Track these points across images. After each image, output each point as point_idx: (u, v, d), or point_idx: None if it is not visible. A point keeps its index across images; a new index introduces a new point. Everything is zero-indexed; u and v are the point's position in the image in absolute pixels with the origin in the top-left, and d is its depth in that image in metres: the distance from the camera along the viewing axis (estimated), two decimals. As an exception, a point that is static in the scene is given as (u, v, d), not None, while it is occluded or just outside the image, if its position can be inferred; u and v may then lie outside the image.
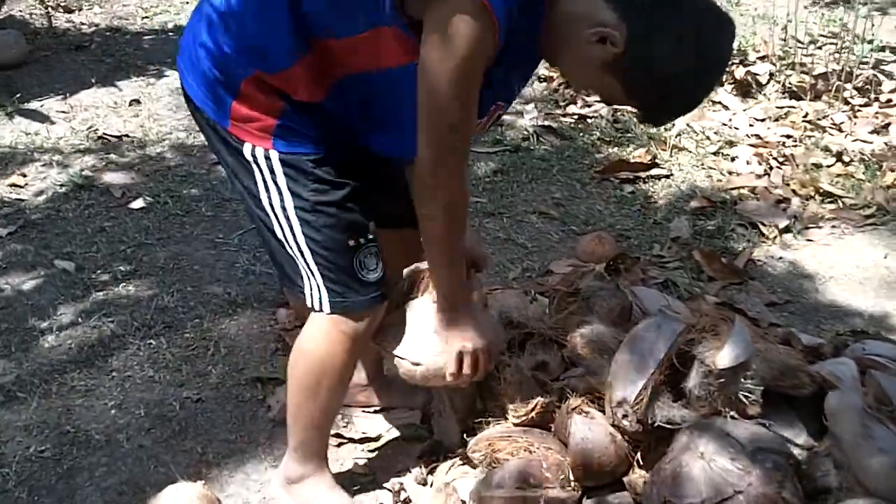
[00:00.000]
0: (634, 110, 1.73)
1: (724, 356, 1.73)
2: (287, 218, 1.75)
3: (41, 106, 4.09)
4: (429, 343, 1.88)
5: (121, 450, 2.22)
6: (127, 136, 3.86)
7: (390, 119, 1.72)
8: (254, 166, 1.73)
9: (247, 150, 1.72)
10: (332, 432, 2.24)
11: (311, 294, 1.81)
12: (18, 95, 4.10)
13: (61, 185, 3.42)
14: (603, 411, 1.89)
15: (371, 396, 2.38)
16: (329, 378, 1.87)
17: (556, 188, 3.53)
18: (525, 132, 3.95)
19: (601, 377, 1.92)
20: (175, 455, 2.21)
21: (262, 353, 2.57)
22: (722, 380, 1.74)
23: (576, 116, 4.13)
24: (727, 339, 1.76)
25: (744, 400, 1.76)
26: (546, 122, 4.04)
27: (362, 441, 2.26)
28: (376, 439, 2.27)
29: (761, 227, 3.25)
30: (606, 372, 1.92)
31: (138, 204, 3.31)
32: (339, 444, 2.25)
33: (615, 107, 3.99)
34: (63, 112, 4.05)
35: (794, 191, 3.48)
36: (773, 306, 2.79)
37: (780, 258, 3.09)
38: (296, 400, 1.94)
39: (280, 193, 1.73)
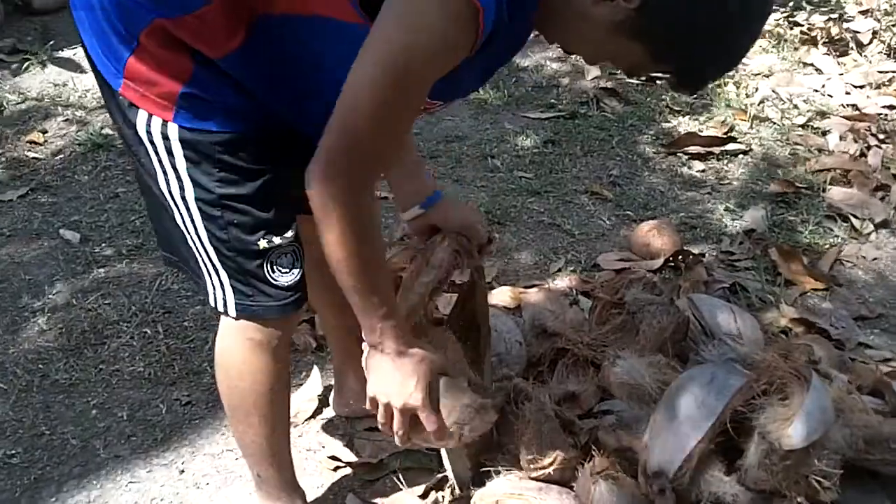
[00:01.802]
0: (665, 77, 1.36)
1: (793, 433, 1.39)
2: (188, 209, 1.45)
3: (74, 54, 3.85)
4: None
5: (96, 459, 2.00)
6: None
7: (321, 87, 1.35)
8: (147, 143, 1.41)
9: (141, 119, 1.39)
10: (328, 454, 1.99)
11: (215, 294, 1.54)
12: (52, 43, 3.88)
13: (80, 144, 3.21)
14: (635, 476, 1.56)
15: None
16: (255, 395, 1.62)
17: (613, 164, 3.16)
18: (584, 95, 3.56)
19: (636, 431, 1.60)
20: (152, 470, 1.98)
21: (265, 351, 2.30)
22: (788, 461, 1.40)
23: (643, 78, 3.72)
24: (799, 408, 1.41)
25: (816, 485, 1.41)
26: (609, 84, 3.64)
27: (361, 467, 1.99)
28: (377, 466, 1.99)
29: (853, 220, 2.83)
30: (643, 426, 1.59)
31: (156, 167, 3.06)
32: (336, 469, 1.99)
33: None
34: (95, 60, 3.80)
35: (895, 176, 3.03)
36: (862, 321, 2.40)
37: (875, 259, 2.68)
38: (234, 428, 1.72)
39: (179, 180, 1.43)
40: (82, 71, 3.71)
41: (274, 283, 1.50)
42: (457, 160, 3.18)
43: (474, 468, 1.86)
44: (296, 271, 1.52)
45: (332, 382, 2.16)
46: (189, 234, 1.49)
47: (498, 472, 1.77)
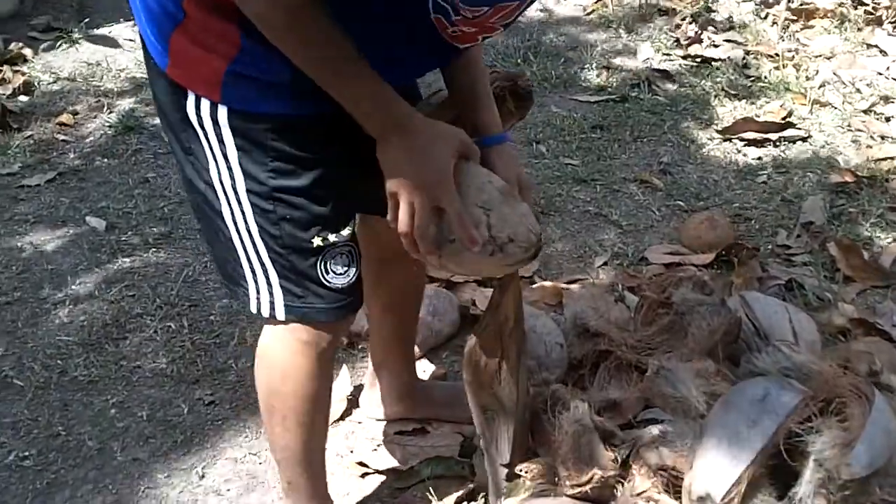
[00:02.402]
0: None
1: (854, 461, 1.25)
2: (238, 202, 1.33)
3: (109, 32, 3.78)
4: None
5: (112, 462, 1.91)
6: (190, 69, 3.50)
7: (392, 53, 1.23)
8: (198, 128, 1.30)
9: (190, 102, 1.28)
10: (356, 459, 1.89)
11: (259, 297, 1.42)
12: (87, 20, 3.81)
13: (111, 127, 3.13)
14: (678, 498, 1.43)
15: (405, 409, 2.00)
16: (297, 399, 1.51)
17: (664, 150, 3.00)
18: (635, 77, 3.40)
19: (680, 448, 1.46)
20: (171, 475, 1.88)
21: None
22: (848, 491, 1.25)
23: (699, 59, 3.54)
24: (860, 432, 1.26)
25: (878, 516, 1.27)
26: (662, 66, 3.46)
27: (390, 474, 1.88)
28: (407, 473, 1.88)
29: (919, 212, 2.64)
30: (688, 442, 1.45)
31: (187, 151, 2.97)
32: (364, 475, 1.88)
33: (749, 49, 3.39)
34: (131, 40, 3.75)
35: (963, 165, 2.84)
36: (927, 322, 2.22)
37: (942, 256, 2.48)
38: (269, 430, 1.60)
39: (230, 170, 1.31)
40: (118, 48, 3.64)
41: (327, 284, 1.38)
42: (499, 146, 3.03)
43: (509, 477, 1.75)
44: (351, 273, 1.40)
45: (363, 382, 2.05)
46: (238, 230, 1.37)
47: (532, 482, 1.66)
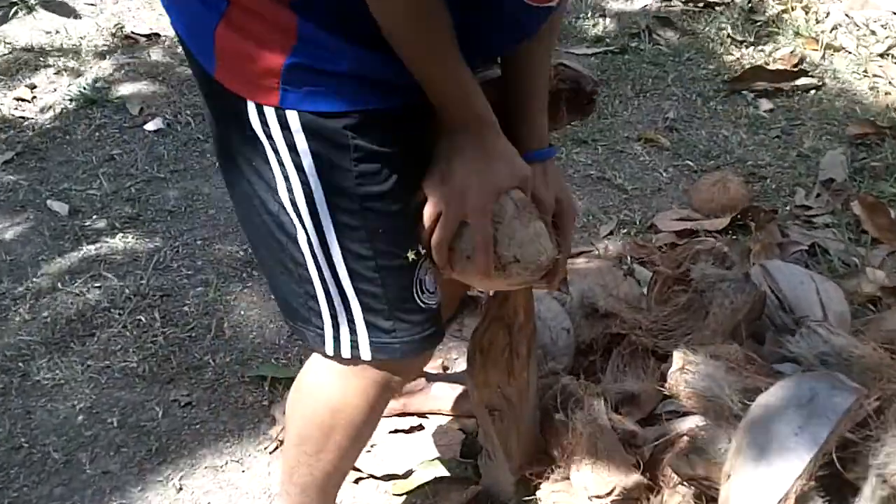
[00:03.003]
0: None
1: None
2: (317, 223, 1.12)
3: (69, -3, 3.54)
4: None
5: (81, 476, 1.74)
6: (157, 35, 3.29)
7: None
8: (264, 138, 1.09)
9: (252, 110, 1.08)
10: (349, 463, 1.71)
11: (339, 336, 1.20)
12: (43, -15, 3.56)
13: (72, 100, 2.91)
14: (715, 515, 1.26)
15: (400, 403, 1.83)
16: (342, 435, 1.30)
17: (669, 105, 2.82)
18: (634, 26, 3.19)
19: (713, 456, 1.28)
20: (145, 488, 1.71)
21: (274, 338, 2.04)
22: (917, 513, 1.08)
23: (701, 3, 3.32)
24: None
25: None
26: (663, 13, 3.25)
27: (387, 479, 1.71)
28: (405, 477, 1.71)
29: (946, 165, 2.46)
30: (721, 447, 1.28)
31: (155, 125, 2.78)
32: (357, 480, 1.71)
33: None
34: (91, 4, 3.50)
35: None
36: (963, 285, 2.05)
37: (975, 211, 2.31)
38: (293, 452, 1.38)
39: (305, 184, 1.10)
40: (76, 17, 3.40)
41: (423, 305, 1.18)
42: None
43: (517, 481, 1.58)
44: (438, 291, 1.20)
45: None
46: (315, 257, 1.16)
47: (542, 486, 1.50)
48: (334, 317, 1.19)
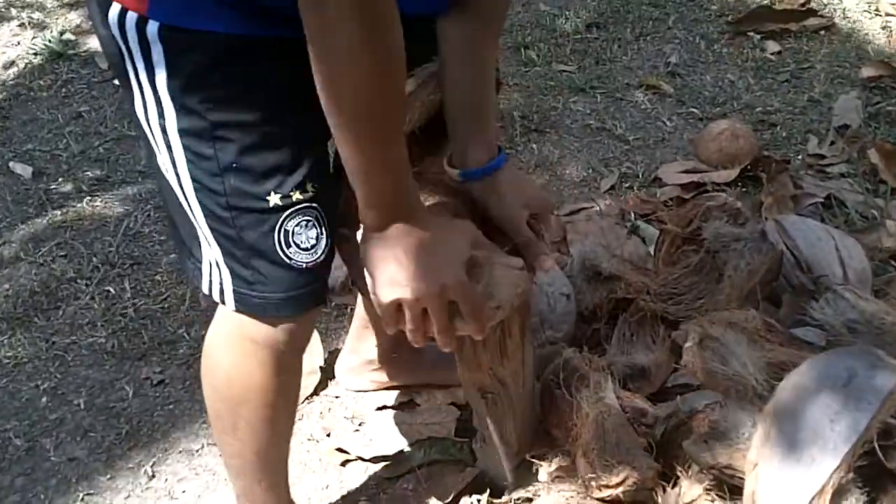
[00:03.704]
0: None
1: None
2: (169, 146, 1.02)
3: (32, -59, 3.33)
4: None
5: (44, 465, 1.61)
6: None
7: None
8: (122, 47, 0.99)
9: (113, 14, 0.98)
10: (335, 444, 1.60)
11: (209, 275, 1.11)
12: (5, -72, 3.35)
13: (36, 54, 2.75)
14: (738, 508, 1.13)
15: (387, 375, 1.70)
16: (248, 408, 1.20)
17: (671, 49, 2.67)
18: (633, -36, 3.01)
19: (735, 442, 1.15)
20: (115, 476, 1.59)
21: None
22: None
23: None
24: None
25: None
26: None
27: (376, 461, 1.58)
28: (396, 460, 1.60)
29: (968, 107, 2.32)
30: (746, 434, 1.15)
31: (125, 79, 2.59)
32: (345, 463, 1.59)
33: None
34: (55, -50, 3.29)
35: None
36: None
37: None
38: (216, 435, 1.30)
39: (158, 102, 1.00)
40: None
41: (286, 261, 1.05)
42: (481, 53, 2.66)
43: (516, 466, 1.46)
44: (321, 246, 1.06)
45: (338, 347, 1.74)
46: (177, 182, 1.05)
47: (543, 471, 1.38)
48: (205, 252, 1.09)
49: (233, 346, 1.16)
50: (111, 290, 1.93)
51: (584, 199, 2.11)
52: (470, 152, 1.16)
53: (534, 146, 2.27)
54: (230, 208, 1.02)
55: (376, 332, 1.63)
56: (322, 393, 1.72)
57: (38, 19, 2.91)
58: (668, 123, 2.36)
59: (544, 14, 2.86)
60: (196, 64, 0.97)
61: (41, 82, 2.64)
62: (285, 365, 1.16)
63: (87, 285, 1.95)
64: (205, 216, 1.05)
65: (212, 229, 1.05)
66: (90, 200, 2.18)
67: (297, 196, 1.02)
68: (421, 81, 1.18)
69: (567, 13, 2.82)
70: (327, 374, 1.74)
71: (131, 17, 0.96)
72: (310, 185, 1.03)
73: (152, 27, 0.95)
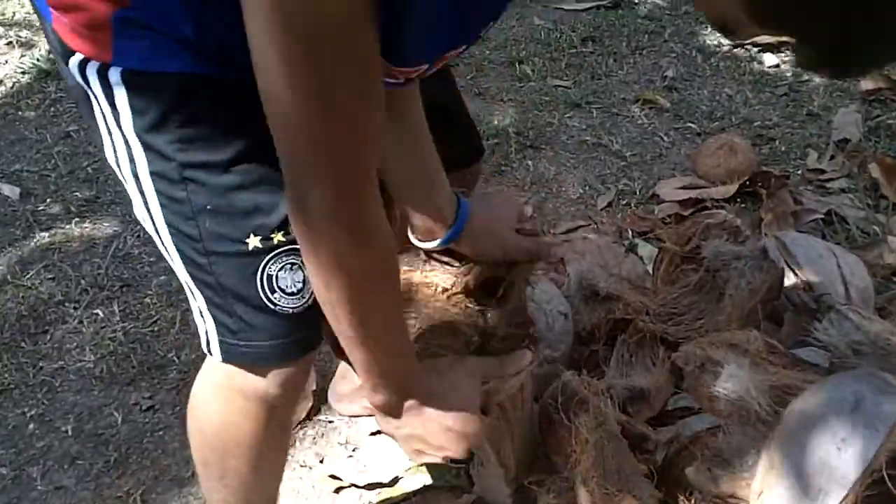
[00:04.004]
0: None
1: None
2: (141, 191, 0.97)
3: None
4: None
5: (31, 494, 1.57)
6: (116, -2, 3.06)
7: None
8: (90, 93, 0.96)
9: (74, 63, 0.94)
10: (328, 471, 1.57)
11: (199, 323, 1.06)
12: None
13: (24, 72, 2.73)
14: (742, 539, 1.10)
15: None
16: (237, 460, 1.15)
17: (667, 62, 2.66)
18: (627, -22, 3.01)
19: (739, 470, 1.12)
20: (104, 504, 1.54)
21: (245, 331, 1.84)
22: None
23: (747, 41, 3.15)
24: None
25: None
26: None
27: (371, 488, 1.54)
28: (391, 485, 1.55)
29: (971, 121, 2.31)
30: (749, 461, 1.11)
31: (115, 98, 2.56)
32: (338, 490, 1.55)
33: None
34: (46, -32, 3.27)
35: None
36: None
37: None
38: (203, 479, 1.24)
39: (127, 144, 0.95)
40: (30, -19, 3.18)
41: (271, 307, 0.99)
42: (477, 68, 2.69)
43: (514, 490, 1.42)
44: (307, 292, 0.99)
45: (333, 370, 1.70)
46: (155, 236, 1.01)
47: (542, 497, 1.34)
48: (191, 301, 1.05)
49: (222, 398, 1.10)
50: (100, 313, 1.90)
51: (580, 217, 2.08)
52: (437, 217, 1.15)
53: (529, 163, 2.25)
54: (207, 253, 0.97)
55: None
56: (315, 418, 1.69)
57: (25, 38, 2.89)
58: (665, 139, 2.34)
59: (539, 28, 2.84)
60: (161, 104, 0.92)
61: (29, 101, 2.61)
62: (277, 416, 1.10)
63: (75, 308, 1.91)
64: (184, 263, 1.00)
65: (192, 277, 1.00)
66: (79, 222, 2.15)
67: (279, 238, 0.96)
68: None
69: (562, 27, 2.80)
70: (320, 398, 1.71)
71: (93, 68, 0.92)
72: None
73: (114, 73, 0.92)
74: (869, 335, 1.35)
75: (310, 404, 1.69)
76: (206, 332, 1.04)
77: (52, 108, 2.58)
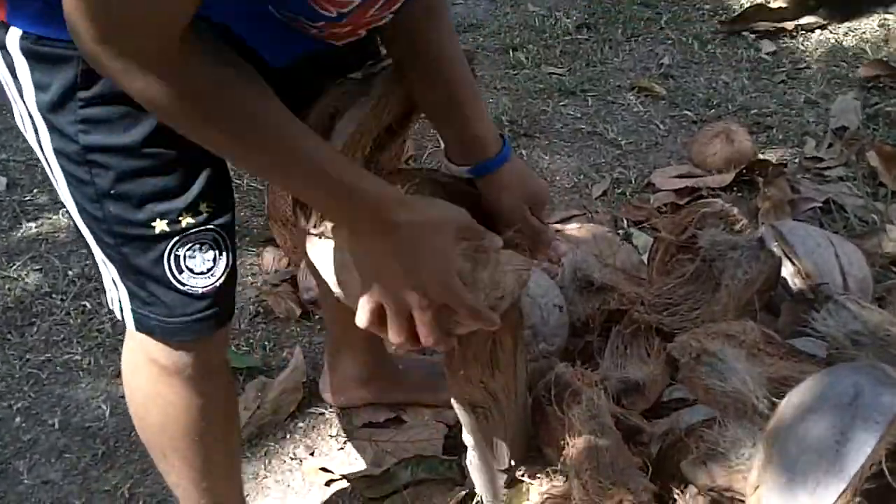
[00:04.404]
0: None
1: None
2: (49, 164, 0.97)
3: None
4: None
5: (17, 488, 1.55)
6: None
7: None
8: None
9: None
10: (318, 464, 1.54)
11: (110, 293, 1.06)
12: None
13: (12, 60, 2.66)
14: (738, 533, 1.08)
15: (373, 392, 1.64)
16: (169, 435, 1.15)
17: (663, 50, 2.65)
18: (623, -36, 2.99)
19: (735, 463, 1.10)
20: (90, 498, 1.53)
21: (234, 322, 1.82)
22: None
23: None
24: None
25: None
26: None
27: (361, 481, 1.52)
28: (382, 479, 1.54)
29: (967, 104, 2.30)
30: (746, 454, 1.09)
31: (103, 86, 2.54)
32: (329, 483, 1.54)
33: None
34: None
35: None
36: None
37: None
38: (155, 462, 1.25)
39: (31, 117, 0.94)
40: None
41: (179, 287, 0.99)
42: (470, 56, 2.60)
43: (507, 483, 1.40)
44: (219, 269, 1.01)
45: (323, 361, 1.68)
46: (66, 205, 1.00)
47: (535, 490, 1.32)
48: (102, 268, 1.04)
49: (140, 370, 1.10)
50: (87, 304, 1.87)
51: (575, 206, 2.06)
52: (478, 144, 1.10)
53: (523, 151, 2.22)
54: (114, 235, 0.97)
55: (353, 349, 1.58)
56: (305, 410, 1.67)
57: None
58: (661, 127, 2.32)
59: (533, 15, 2.83)
60: (63, 80, 0.89)
61: (18, 90, 2.58)
62: (199, 387, 1.09)
63: (62, 300, 1.89)
64: (94, 239, 1.00)
65: (103, 251, 1.00)
66: (66, 212, 2.11)
67: (187, 221, 0.97)
68: (385, 79, 1.13)
69: (557, 14, 2.79)
70: (311, 390, 1.69)
71: None
72: (204, 206, 0.98)
73: (12, 37, 0.88)
74: (867, 325, 1.33)
75: (300, 396, 1.67)
76: (120, 300, 1.04)
77: (41, 97, 2.55)
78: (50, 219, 2.11)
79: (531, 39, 2.71)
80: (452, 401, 1.39)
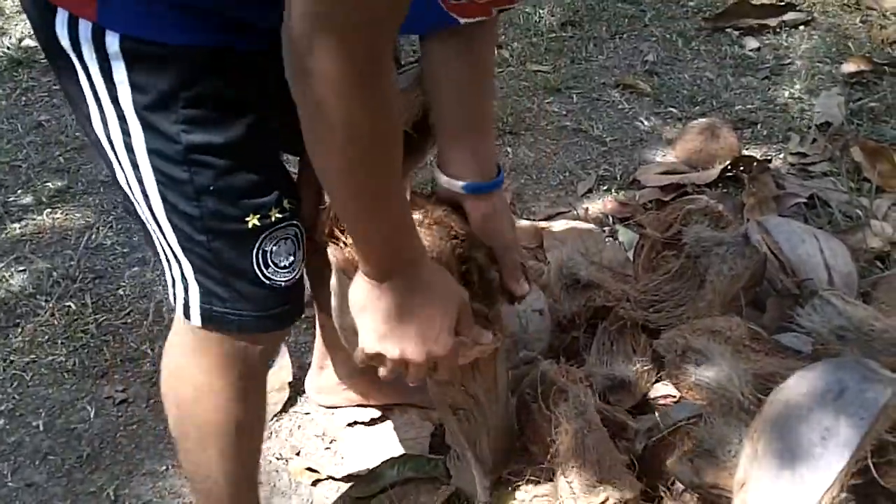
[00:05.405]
0: None
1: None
2: (135, 166, 0.97)
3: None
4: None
5: (1, 491, 1.54)
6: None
7: None
8: (75, 60, 0.92)
9: (59, 24, 0.91)
10: (304, 464, 1.54)
11: (175, 289, 1.07)
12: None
13: (-6, 61, 2.65)
14: (726, 529, 1.08)
15: (360, 393, 1.63)
16: (216, 427, 1.16)
17: (648, 47, 2.63)
18: (607, -39, 2.98)
19: (722, 460, 1.10)
20: (76, 501, 1.52)
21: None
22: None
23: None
24: None
25: None
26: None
27: (348, 480, 1.52)
28: (369, 479, 1.53)
29: (951, 100, 2.30)
30: (732, 451, 1.10)
31: (87, 86, 2.52)
32: (315, 483, 1.53)
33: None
34: (17, -47, 3.21)
35: None
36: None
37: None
38: (183, 456, 1.25)
39: (122, 120, 0.93)
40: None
41: (266, 281, 1.02)
42: (454, 53, 2.60)
43: (492, 482, 1.39)
44: (297, 264, 1.04)
45: (309, 361, 1.67)
46: (138, 203, 1.01)
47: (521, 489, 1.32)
48: (170, 266, 1.05)
49: (198, 363, 1.11)
50: (72, 305, 1.86)
51: (560, 204, 2.06)
52: (479, 163, 1.11)
53: (508, 149, 2.22)
54: (207, 231, 0.98)
55: (341, 349, 1.57)
56: (291, 410, 1.66)
57: (-2, 24, 2.84)
58: (645, 123, 2.32)
59: (517, 12, 2.81)
60: (166, 82, 0.90)
61: (0, 91, 2.56)
62: (255, 380, 1.13)
63: (46, 301, 1.87)
64: (176, 237, 1.00)
65: (184, 248, 1.01)
66: (50, 212, 2.11)
67: (276, 215, 0.99)
68: (410, 82, 1.14)
69: (541, 11, 2.78)
70: (297, 390, 1.68)
71: (84, 26, 0.89)
72: (286, 202, 1.00)
73: (112, 40, 0.88)
74: (852, 321, 1.34)
75: (286, 396, 1.66)
76: (186, 298, 1.04)
77: (24, 98, 2.52)
78: (34, 220, 2.09)
79: (516, 37, 2.70)
80: (434, 403, 1.39)
